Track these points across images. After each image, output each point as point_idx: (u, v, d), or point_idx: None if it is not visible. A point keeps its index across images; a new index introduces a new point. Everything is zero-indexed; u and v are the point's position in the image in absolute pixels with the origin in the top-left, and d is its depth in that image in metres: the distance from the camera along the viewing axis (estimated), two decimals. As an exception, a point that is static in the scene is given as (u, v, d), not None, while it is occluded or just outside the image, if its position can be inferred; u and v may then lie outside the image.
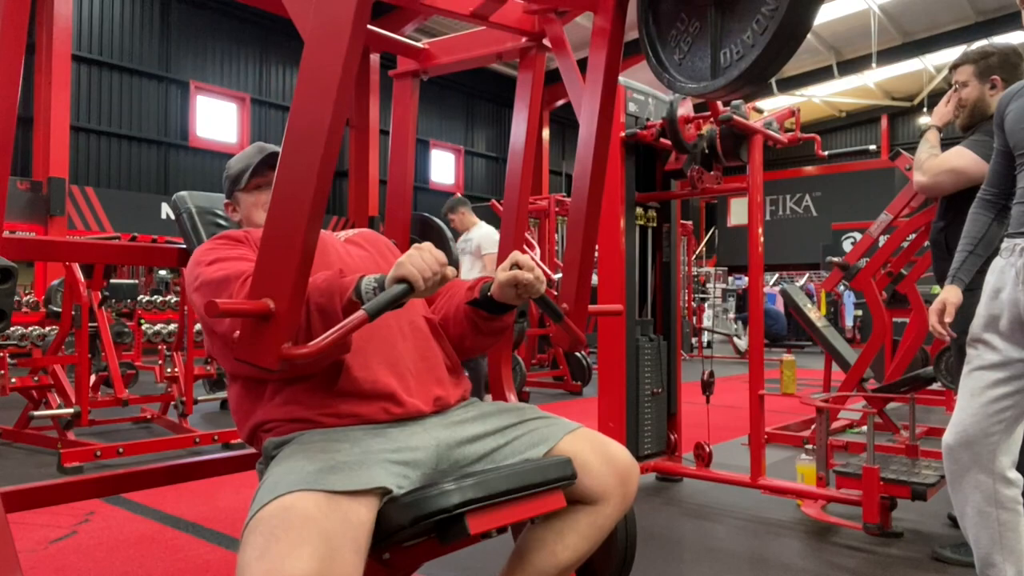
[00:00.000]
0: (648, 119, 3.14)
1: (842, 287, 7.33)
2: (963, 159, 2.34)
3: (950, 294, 1.91)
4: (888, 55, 14.77)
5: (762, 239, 2.88)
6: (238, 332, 1.21)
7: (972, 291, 1.94)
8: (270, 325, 1.17)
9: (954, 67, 2.50)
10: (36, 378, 4.17)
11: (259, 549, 1.05)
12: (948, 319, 1.88)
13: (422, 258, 1.21)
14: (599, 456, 1.43)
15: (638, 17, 1.61)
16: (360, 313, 1.15)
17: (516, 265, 1.42)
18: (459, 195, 5.39)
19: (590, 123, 1.76)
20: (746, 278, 7.32)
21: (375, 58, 13.49)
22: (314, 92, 1.14)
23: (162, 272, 8.60)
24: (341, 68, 1.12)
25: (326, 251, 1.54)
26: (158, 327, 5.41)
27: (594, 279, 2.11)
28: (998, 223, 1.93)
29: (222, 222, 1.92)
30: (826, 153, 3.57)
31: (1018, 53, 2.42)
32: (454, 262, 2.62)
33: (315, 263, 1.33)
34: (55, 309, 5.37)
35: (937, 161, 2.41)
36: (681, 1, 1.53)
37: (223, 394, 4.94)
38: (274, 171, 1.57)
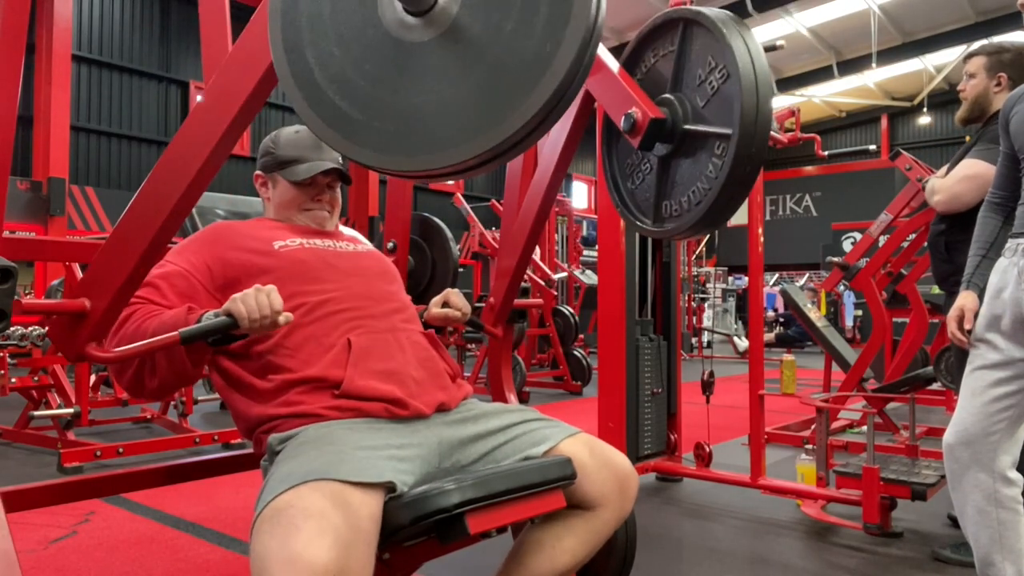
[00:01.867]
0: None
1: (842, 287, 7.33)
2: (976, 167, 2.31)
3: (967, 300, 1.89)
4: (888, 55, 14.77)
5: (762, 239, 2.88)
6: (55, 317, 1.31)
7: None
8: (82, 323, 1.27)
9: (968, 56, 2.47)
10: (36, 378, 4.17)
11: (279, 538, 1.05)
12: (968, 326, 1.86)
13: (256, 299, 1.27)
14: (598, 461, 1.43)
15: (599, 153, 1.80)
16: (173, 333, 1.24)
17: (446, 304, 1.76)
18: None
19: (550, 158, 1.87)
20: (746, 278, 7.32)
21: (375, 58, 13.46)
22: (203, 125, 1.21)
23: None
24: (232, 116, 1.19)
25: (322, 268, 1.56)
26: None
27: (594, 279, 2.12)
28: (1008, 226, 1.91)
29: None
30: (826, 153, 3.57)
31: None
32: (454, 263, 2.61)
33: (298, 280, 1.48)
34: (55, 309, 5.36)
35: (949, 178, 2.37)
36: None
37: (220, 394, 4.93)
38: (338, 181, 1.71)
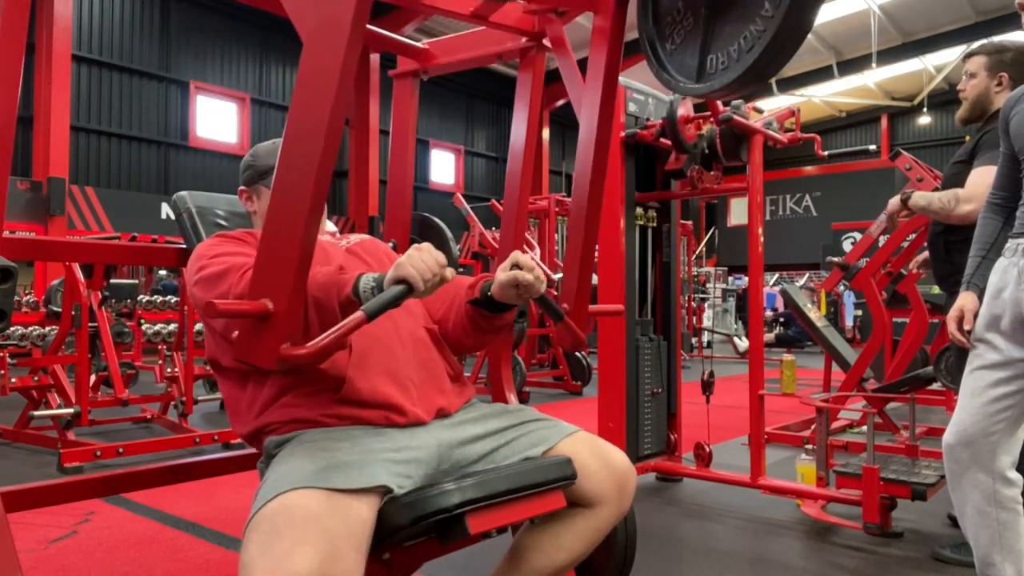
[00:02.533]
0: (648, 119, 3.14)
1: (842, 287, 7.33)
2: (991, 175, 2.20)
3: (967, 300, 1.88)
4: (888, 55, 14.78)
5: (762, 239, 2.88)
6: (236, 332, 1.21)
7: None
8: (268, 325, 1.17)
9: (968, 56, 2.46)
10: (36, 378, 4.17)
11: (262, 546, 1.05)
12: (967, 326, 1.86)
13: (422, 259, 1.21)
14: (597, 460, 1.44)
15: (638, 15, 1.60)
16: (359, 314, 1.15)
17: (516, 265, 1.41)
18: None
19: (590, 123, 1.76)
20: (746, 278, 7.31)
21: (375, 58, 13.48)
22: (313, 92, 1.14)
23: (162, 272, 8.61)
24: (340, 68, 1.12)
25: (328, 260, 1.54)
26: (158, 327, 5.41)
27: (594, 279, 2.11)
28: (1008, 227, 1.91)
29: (222, 222, 1.91)
30: (826, 153, 3.57)
31: None
32: (454, 262, 2.61)
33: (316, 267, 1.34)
34: (55, 309, 5.37)
35: (970, 188, 2.29)
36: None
37: (220, 394, 4.94)
38: None
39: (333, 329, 1.17)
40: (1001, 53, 2.35)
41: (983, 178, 2.22)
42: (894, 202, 2.59)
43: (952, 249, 2.42)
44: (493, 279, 1.47)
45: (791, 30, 1.29)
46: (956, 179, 2.41)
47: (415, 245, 1.25)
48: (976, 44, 2.45)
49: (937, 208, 2.35)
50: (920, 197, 2.45)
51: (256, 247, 1.47)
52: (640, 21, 1.60)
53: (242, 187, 1.72)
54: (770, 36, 1.30)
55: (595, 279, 2.35)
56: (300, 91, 1.16)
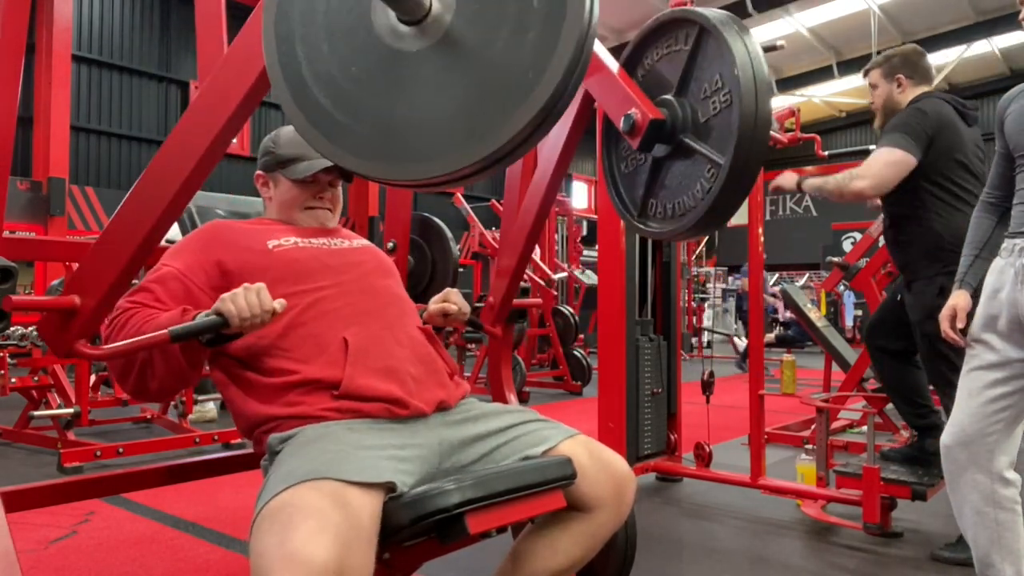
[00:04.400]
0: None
1: (842, 287, 7.31)
2: (895, 154, 2.38)
3: (959, 299, 1.89)
4: (888, 55, 14.73)
5: (762, 239, 2.88)
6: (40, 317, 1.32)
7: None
8: (72, 320, 1.27)
9: (866, 73, 2.70)
10: (36, 378, 4.17)
11: (278, 536, 1.05)
12: (960, 324, 1.86)
13: (246, 298, 1.27)
14: (596, 464, 1.43)
15: (601, 156, 1.79)
16: (163, 332, 1.25)
17: (446, 300, 1.75)
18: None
19: (550, 158, 1.87)
20: (746, 278, 7.31)
21: (375, 58, 13.47)
22: (197, 125, 1.24)
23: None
24: (225, 124, 1.21)
25: (314, 267, 1.55)
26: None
27: (594, 279, 2.12)
28: (1001, 226, 1.91)
29: (222, 222, 1.91)
30: (826, 153, 3.57)
31: (918, 51, 2.61)
32: (454, 263, 2.62)
33: (291, 280, 1.48)
34: (55, 309, 5.36)
35: (872, 164, 2.42)
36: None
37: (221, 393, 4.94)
38: (339, 179, 1.70)
39: (132, 339, 1.27)
40: (890, 60, 2.62)
41: (880, 156, 2.40)
42: (788, 180, 2.70)
43: (902, 243, 2.54)
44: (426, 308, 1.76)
45: (718, 212, 1.40)
46: None
47: (245, 284, 1.31)
48: (870, 63, 2.71)
49: (832, 188, 2.50)
50: (814, 179, 2.59)
51: (247, 240, 1.55)
52: (602, 139, 1.77)
53: (259, 171, 1.72)
54: (696, 215, 1.43)
55: (595, 279, 2.35)
56: (188, 120, 1.27)
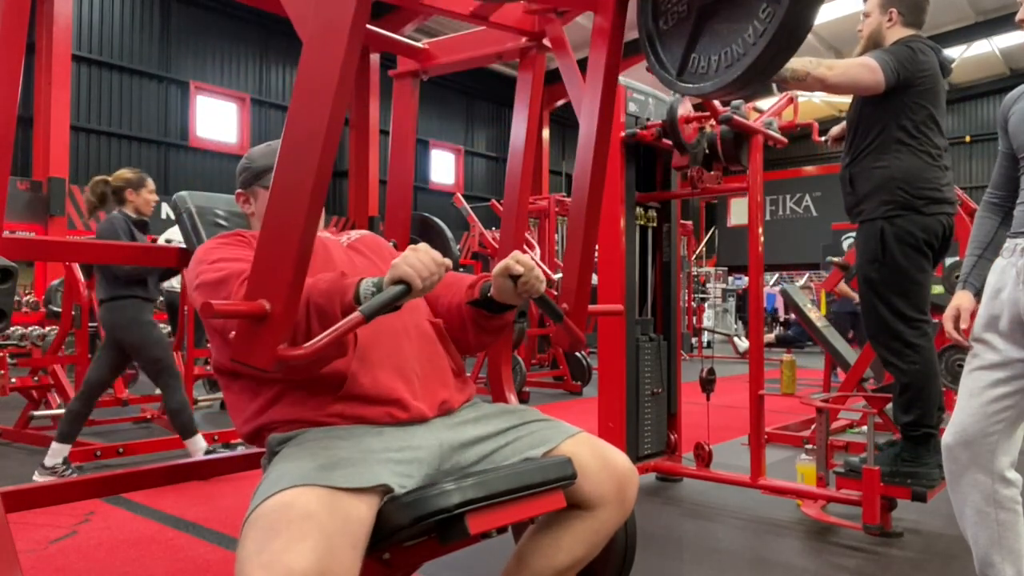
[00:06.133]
0: (648, 119, 3.14)
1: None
2: (868, 62, 2.37)
3: (963, 299, 1.88)
4: (888, 55, 14.74)
5: (762, 239, 2.88)
6: (233, 332, 1.21)
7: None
8: (265, 326, 1.17)
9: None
10: (36, 378, 4.17)
11: (258, 543, 1.05)
12: (964, 325, 1.86)
13: (419, 259, 1.22)
14: (598, 461, 1.43)
15: (638, 14, 1.60)
16: (356, 315, 1.16)
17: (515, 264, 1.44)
18: None
19: (590, 123, 1.76)
20: (746, 278, 7.31)
21: (375, 58, 13.48)
22: (312, 93, 1.14)
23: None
24: (340, 69, 1.12)
25: (329, 257, 1.54)
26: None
27: (594, 279, 2.11)
28: (1005, 226, 1.91)
29: (222, 222, 1.91)
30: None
31: None
32: (454, 261, 2.62)
33: (318, 268, 1.34)
34: (55, 309, 5.37)
35: (845, 62, 2.39)
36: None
37: (223, 394, 4.94)
38: None
39: (331, 329, 1.17)
40: None
41: (856, 59, 2.41)
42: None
43: (856, 179, 2.56)
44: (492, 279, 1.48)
45: (772, 58, 1.29)
46: (856, 115, 2.56)
47: (411, 246, 1.26)
48: None
49: (797, 66, 2.31)
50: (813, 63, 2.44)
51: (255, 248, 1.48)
52: (640, 19, 1.59)
53: (239, 190, 1.72)
54: (748, 61, 1.31)
55: (595, 279, 2.36)
56: (299, 92, 1.16)
